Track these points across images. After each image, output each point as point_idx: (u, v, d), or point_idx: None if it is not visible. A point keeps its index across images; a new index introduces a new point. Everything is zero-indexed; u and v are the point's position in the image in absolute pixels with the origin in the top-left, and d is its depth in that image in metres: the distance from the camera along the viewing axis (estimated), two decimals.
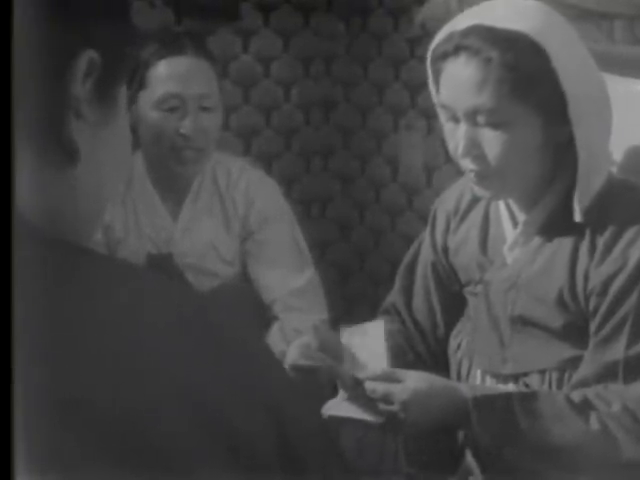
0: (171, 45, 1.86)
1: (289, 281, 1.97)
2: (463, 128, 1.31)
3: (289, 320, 1.94)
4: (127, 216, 2.00)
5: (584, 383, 1.30)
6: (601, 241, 1.30)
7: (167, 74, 1.85)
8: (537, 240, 1.38)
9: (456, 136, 1.32)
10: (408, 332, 1.59)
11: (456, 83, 1.30)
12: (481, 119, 1.29)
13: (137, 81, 1.88)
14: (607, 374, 1.27)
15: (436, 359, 1.57)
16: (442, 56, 1.31)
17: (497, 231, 1.44)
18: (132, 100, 1.90)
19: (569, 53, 1.27)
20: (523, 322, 1.38)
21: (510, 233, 1.42)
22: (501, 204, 1.44)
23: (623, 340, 1.26)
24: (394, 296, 1.63)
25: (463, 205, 1.51)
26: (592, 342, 1.30)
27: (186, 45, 1.87)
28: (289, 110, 3.22)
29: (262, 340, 0.71)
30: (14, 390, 0.54)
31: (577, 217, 1.32)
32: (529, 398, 1.29)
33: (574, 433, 1.25)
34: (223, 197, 2.01)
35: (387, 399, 1.30)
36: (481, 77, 1.26)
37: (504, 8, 1.30)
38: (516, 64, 1.24)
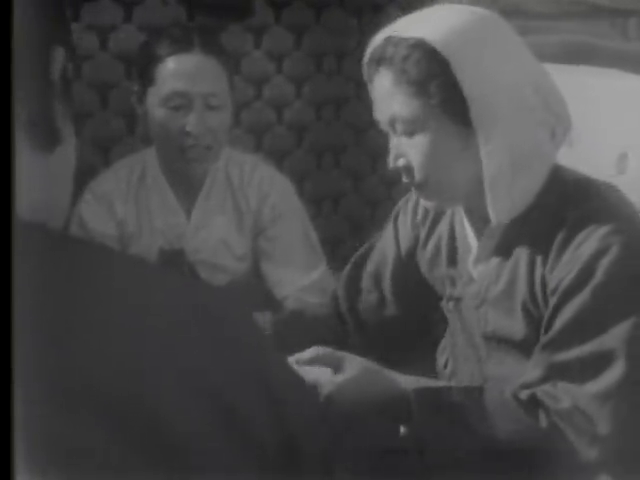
0: (180, 42, 1.85)
1: (301, 277, 1.97)
2: (391, 140, 1.32)
3: None
4: (140, 211, 2.00)
5: (530, 386, 1.26)
6: (554, 247, 1.27)
7: (174, 71, 1.84)
8: (498, 254, 1.35)
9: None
10: (341, 318, 1.58)
11: (379, 96, 1.32)
12: (399, 128, 1.30)
13: (146, 77, 1.87)
14: (555, 375, 1.24)
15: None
16: (369, 73, 1.33)
17: (464, 245, 1.42)
18: (142, 96, 1.90)
19: (474, 56, 1.24)
20: (497, 339, 1.36)
21: (474, 247, 1.40)
22: (464, 217, 1.42)
23: (574, 340, 1.23)
24: (338, 285, 1.62)
25: (430, 216, 1.50)
26: (539, 344, 1.27)
27: (195, 42, 1.85)
28: (300, 106, 3.21)
29: (264, 333, 0.72)
30: (14, 389, 0.54)
31: (494, 220, 1.30)
32: (474, 392, 1.27)
33: (523, 430, 1.22)
34: (236, 193, 2.01)
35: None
36: (392, 86, 1.28)
37: (416, 17, 1.31)
38: (417, 71, 1.25)
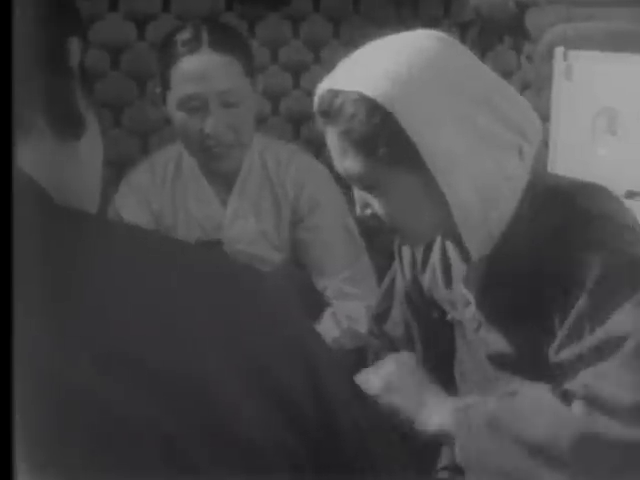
0: (189, 42, 1.83)
1: (341, 268, 1.96)
2: (354, 190, 1.30)
3: (342, 307, 1.92)
4: (176, 202, 2.00)
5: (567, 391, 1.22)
6: (533, 263, 1.24)
7: (185, 74, 1.83)
8: (485, 279, 1.31)
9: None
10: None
11: (332, 150, 1.27)
12: (357, 184, 1.26)
13: (164, 81, 1.87)
14: (580, 367, 1.20)
15: None
16: (320, 124, 1.28)
17: (457, 267, 1.39)
18: (163, 99, 1.90)
19: (419, 104, 1.18)
20: (501, 360, 1.33)
21: (464, 271, 1.36)
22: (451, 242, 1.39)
23: (583, 334, 1.19)
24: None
25: None
26: (551, 353, 1.24)
27: (203, 40, 1.83)
28: None
29: (308, 320, 0.75)
30: (14, 390, 0.54)
31: (474, 255, 1.27)
32: (507, 398, 1.24)
33: (561, 424, 1.16)
34: (273, 182, 2.00)
35: None
36: (340, 143, 1.23)
37: (357, 63, 1.25)
38: (363, 129, 1.19)
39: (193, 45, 1.83)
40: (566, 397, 1.18)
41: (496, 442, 1.18)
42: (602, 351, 1.17)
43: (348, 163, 1.24)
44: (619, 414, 1.12)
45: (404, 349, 1.53)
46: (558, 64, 2.37)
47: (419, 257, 1.48)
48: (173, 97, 1.85)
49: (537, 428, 1.16)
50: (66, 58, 0.70)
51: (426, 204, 1.25)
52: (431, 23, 3.12)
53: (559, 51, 2.37)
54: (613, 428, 1.12)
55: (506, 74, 3.14)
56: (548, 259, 1.23)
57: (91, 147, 0.73)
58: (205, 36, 1.84)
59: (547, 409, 1.17)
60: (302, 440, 0.66)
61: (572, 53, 2.34)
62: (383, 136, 1.19)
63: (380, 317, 1.58)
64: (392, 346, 1.55)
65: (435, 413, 1.27)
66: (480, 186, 1.21)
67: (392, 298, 1.56)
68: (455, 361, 1.49)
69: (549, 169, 2.31)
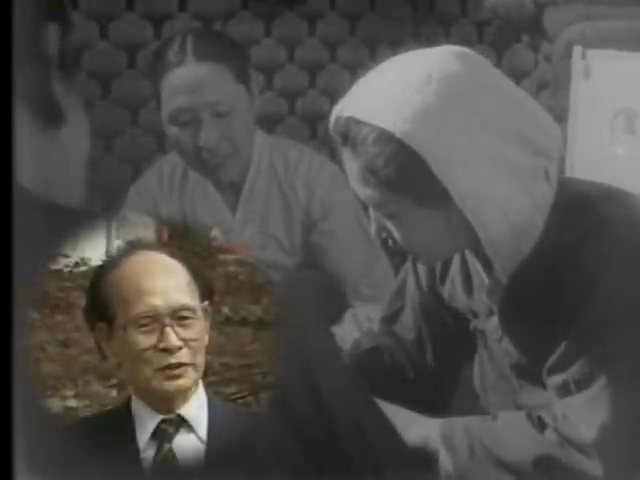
0: (174, 56, 1.79)
1: (361, 270, 1.93)
2: (370, 211, 1.28)
3: (362, 309, 1.91)
4: (185, 208, 1.98)
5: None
6: (557, 276, 1.23)
7: (173, 88, 1.79)
8: (509, 290, 1.29)
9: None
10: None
11: (348, 174, 1.25)
12: (376, 209, 1.24)
13: (157, 96, 1.85)
14: (561, 395, 1.23)
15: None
16: (336, 142, 1.25)
17: (478, 276, 1.37)
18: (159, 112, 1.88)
19: (449, 144, 1.15)
20: (525, 370, 1.32)
21: (487, 281, 1.34)
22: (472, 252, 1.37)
23: (573, 360, 1.21)
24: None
25: None
26: (544, 369, 1.26)
27: (187, 53, 1.79)
28: None
29: (323, 327, 0.75)
30: (14, 389, 0.54)
31: (501, 275, 1.26)
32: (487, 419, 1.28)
33: (534, 446, 1.21)
34: (282, 184, 1.96)
35: None
36: (361, 174, 1.20)
37: (378, 92, 1.19)
38: (388, 170, 1.16)
39: (179, 57, 1.79)
40: (541, 424, 1.22)
41: (475, 458, 1.23)
42: (580, 384, 1.20)
43: (369, 192, 1.22)
44: (581, 448, 1.17)
45: (415, 352, 1.52)
46: (576, 63, 2.36)
47: (438, 267, 1.46)
48: (165, 112, 1.83)
49: (510, 448, 1.22)
50: (43, 44, 0.68)
51: (449, 234, 1.23)
52: (447, 21, 3.11)
53: (577, 50, 2.35)
54: (574, 458, 1.18)
55: (523, 73, 3.13)
56: (568, 274, 1.22)
57: (73, 137, 0.72)
58: (190, 47, 1.80)
59: (521, 432, 1.22)
60: (301, 440, 0.65)
61: (590, 52, 2.33)
62: (410, 176, 1.16)
63: (390, 318, 1.57)
64: (404, 348, 1.54)
65: (420, 424, 1.28)
66: (510, 216, 1.20)
67: (403, 301, 1.55)
68: (475, 370, 1.48)
69: (567, 169, 2.30)
